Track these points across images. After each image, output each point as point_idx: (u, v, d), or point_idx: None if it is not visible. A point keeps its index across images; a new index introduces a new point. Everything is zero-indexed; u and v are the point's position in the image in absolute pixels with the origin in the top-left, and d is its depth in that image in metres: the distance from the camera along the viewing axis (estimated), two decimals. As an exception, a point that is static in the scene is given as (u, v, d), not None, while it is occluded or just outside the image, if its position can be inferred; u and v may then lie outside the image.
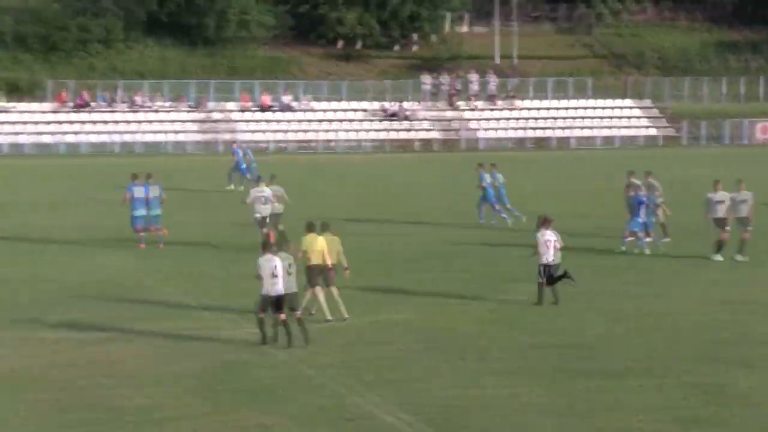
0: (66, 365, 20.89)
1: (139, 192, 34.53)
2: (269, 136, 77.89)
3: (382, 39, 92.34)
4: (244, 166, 51.94)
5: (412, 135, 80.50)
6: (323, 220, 25.44)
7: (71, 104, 77.56)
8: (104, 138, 75.24)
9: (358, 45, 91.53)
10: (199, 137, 77.12)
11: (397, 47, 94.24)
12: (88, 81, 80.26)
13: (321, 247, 24.24)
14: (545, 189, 51.40)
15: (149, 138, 75.73)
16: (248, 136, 77.24)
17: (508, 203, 39.83)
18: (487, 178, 39.60)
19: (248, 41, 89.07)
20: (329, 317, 24.17)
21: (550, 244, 26.05)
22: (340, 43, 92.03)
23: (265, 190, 34.54)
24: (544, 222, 26.48)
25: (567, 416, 17.76)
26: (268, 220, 33.93)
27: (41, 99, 78.22)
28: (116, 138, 75.28)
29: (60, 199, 48.02)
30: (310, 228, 24.52)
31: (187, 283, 29.10)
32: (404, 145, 79.19)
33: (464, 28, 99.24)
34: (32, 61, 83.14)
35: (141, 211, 34.44)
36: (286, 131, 78.78)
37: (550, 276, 26.01)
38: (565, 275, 26.17)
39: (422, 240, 36.39)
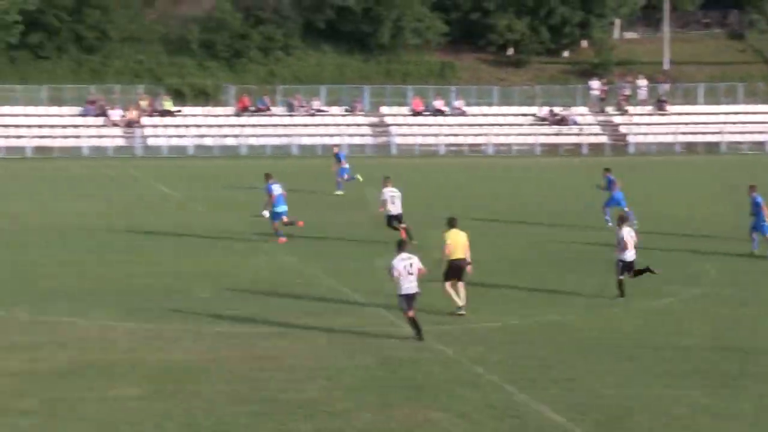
0: (241, 358, 21.37)
1: (278, 189, 37.12)
2: (440, 140, 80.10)
3: (551, 45, 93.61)
4: (347, 167, 54.40)
5: (580, 139, 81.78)
6: (452, 215, 26.41)
7: (253, 108, 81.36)
8: (284, 141, 78.61)
9: (528, 51, 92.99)
10: (373, 140, 79.94)
11: (565, 53, 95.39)
12: (269, 86, 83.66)
13: (464, 242, 25.38)
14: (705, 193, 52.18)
15: (326, 141, 78.79)
16: (420, 140, 79.91)
17: (609, 208, 40.66)
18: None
19: (421, 48, 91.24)
20: (461, 306, 25.33)
21: (630, 241, 27.27)
22: (510, 50, 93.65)
23: (395, 190, 36.47)
24: (623, 219, 27.98)
25: (733, 420, 17.67)
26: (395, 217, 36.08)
27: (225, 103, 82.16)
28: (295, 141, 78.55)
29: (234, 198, 49.94)
30: (452, 223, 25.66)
31: (355, 279, 29.75)
32: (572, 149, 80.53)
33: (632, 35, 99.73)
34: (217, 68, 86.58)
35: (284, 207, 36.97)
36: (457, 135, 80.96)
37: (630, 269, 27.31)
38: (647, 269, 27.54)
39: (577, 241, 37.07)
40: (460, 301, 25.31)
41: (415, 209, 39.67)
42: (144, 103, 79.67)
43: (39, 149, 74.70)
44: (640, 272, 27.60)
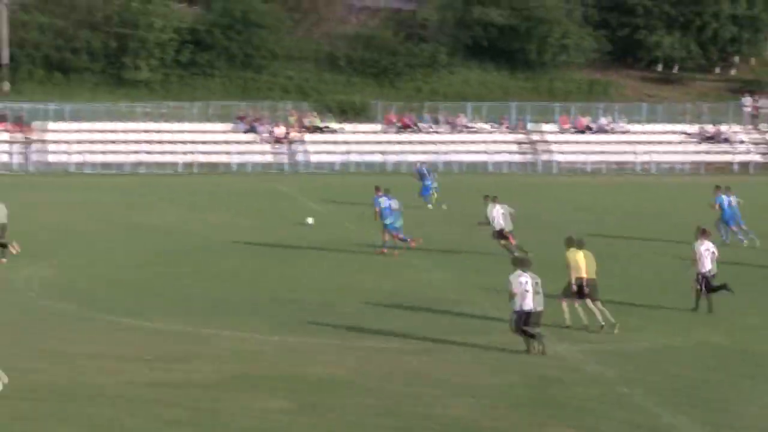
0: (387, 374, 21.60)
1: (384, 202, 38.22)
2: (587, 158, 79.44)
3: (702, 62, 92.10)
4: (429, 183, 54.65)
5: (730, 158, 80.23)
6: (570, 235, 26.68)
7: (398, 125, 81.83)
8: (431, 157, 78.66)
9: (677, 68, 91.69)
10: (518, 158, 79.66)
11: (717, 70, 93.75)
12: (414, 103, 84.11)
13: (585, 261, 25.64)
14: None
15: (470, 158, 78.82)
16: (568, 158, 79.35)
17: (743, 224, 41.11)
18: (725, 199, 41.13)
19: (568, 65, 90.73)
20: (569, 323, 25.67)
21: (708, 254, 27.37)
22: (659, 66, 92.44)
23: (504, 206, 37.55)
24: (703, 233, 27.69)
25: None
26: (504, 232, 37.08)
27: (373, 120, 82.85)
28: (439, 158, 78.65)
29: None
30: (571, 243, 25.93)
31: (498, 296, 28.89)
32: (722, 168, 79.04)
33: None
34: (365, 84, 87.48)
35: (391, 219, 37.92)
36: (602, 153, 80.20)
37: (708, 285, 27.30)
38: (724, 287, 27.40)
39: (728, 261, 34.90)
40: (568, 321, 25.68)
41: (559, 226, 39.42)
42: (292, 119, 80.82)
43: (188, 165, 76.30)
44: (715, 289, 27.62)
